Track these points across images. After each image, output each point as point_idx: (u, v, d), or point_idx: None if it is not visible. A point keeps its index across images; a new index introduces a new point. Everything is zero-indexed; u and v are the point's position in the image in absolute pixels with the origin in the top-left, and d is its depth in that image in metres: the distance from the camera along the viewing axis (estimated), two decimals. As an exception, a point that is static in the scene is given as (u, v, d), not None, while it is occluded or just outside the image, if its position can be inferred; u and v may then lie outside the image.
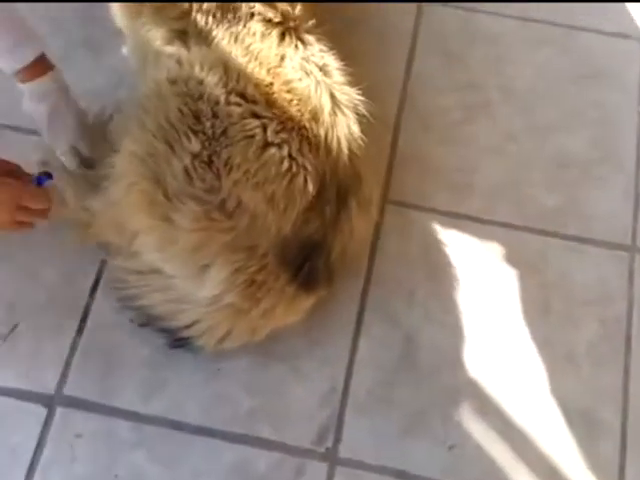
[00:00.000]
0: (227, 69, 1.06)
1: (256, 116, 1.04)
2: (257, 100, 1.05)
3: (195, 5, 1.12)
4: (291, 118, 1.04)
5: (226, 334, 1.10)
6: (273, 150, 1.04)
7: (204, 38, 1.11)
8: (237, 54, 1.07)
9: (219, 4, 1.12)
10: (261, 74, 1.07)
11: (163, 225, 1.03)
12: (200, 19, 1.11)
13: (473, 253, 1.27)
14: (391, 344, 1.20)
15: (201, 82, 1.05)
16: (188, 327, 1.10)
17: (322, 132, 1.05)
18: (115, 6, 1.25)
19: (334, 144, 1.06)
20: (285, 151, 1.03)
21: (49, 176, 1.13)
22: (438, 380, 1.17)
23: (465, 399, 1.16)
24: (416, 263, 1.26)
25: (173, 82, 1.07)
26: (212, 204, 1.03)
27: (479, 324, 1.21)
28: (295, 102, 1.06)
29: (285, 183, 1.03)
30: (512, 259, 1.26)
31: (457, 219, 1.30)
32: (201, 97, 1.05)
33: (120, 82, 1.36)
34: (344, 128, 1.08)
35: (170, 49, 1.12)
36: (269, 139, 1.04)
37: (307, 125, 1.05)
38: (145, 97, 1.08)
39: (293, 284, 1.07)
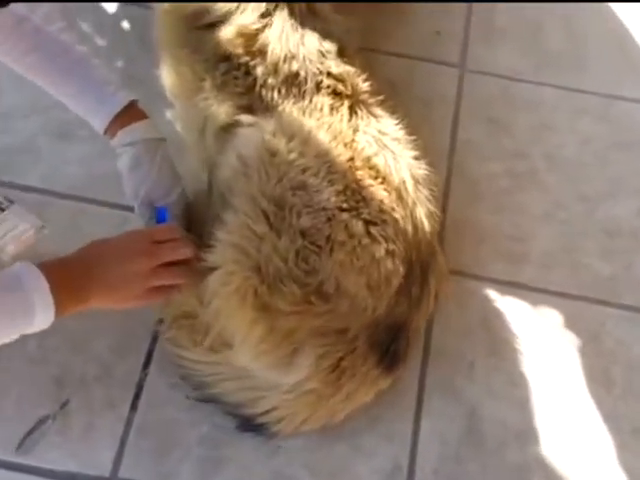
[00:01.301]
0: (313, 143, 1.03)
1: (358, 193, 1.01)
2: (348, 177, 1.02)
3: (259, 81, 1.11)
4: (383, 197, 1.02)
5: (304, 420, 1.06)
6: (376, 230, 1.00)
7: (271, 113, 1.09)
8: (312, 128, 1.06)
9: (283, 80, 1.11)
10: (339, 148, 1.05)
11: (263, 316, 0.98)
12: (265, 94, 1.10)
13: (531, 323, 1.25)
14: (454, 419, 1.16)
15: (302, 154, 1.02)
16: (264, 414, 1.05)
17: (408, 212, 1.04)
18: (168, 80, 1.23)
19: (418, 223, 1.05)
20: (385, 232, 1.01)
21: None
22: (505, 456, 1.14)
23: (533, 476, 1.13)
24: (475, 334, 1.23)
25: (274, 154, 1.02)
26: (311, 286, 0.98)
27: (542, 397, 1.19)
28: (380, 180, 1.04)
29: (385, 266, 1.00)
30: (570, 329, 1.25)
31: (513, 288, 1.28)
32: (306, 170, 1.01)
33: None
34: (424, 205, 1.07)
35: (248, 118, 1.08)
36: (372, 218, 1.01)
37: (395, 205, 1.03)
38: (229, 176, 1.04)
39: (379, 367, 1.04)
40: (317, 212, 0.99)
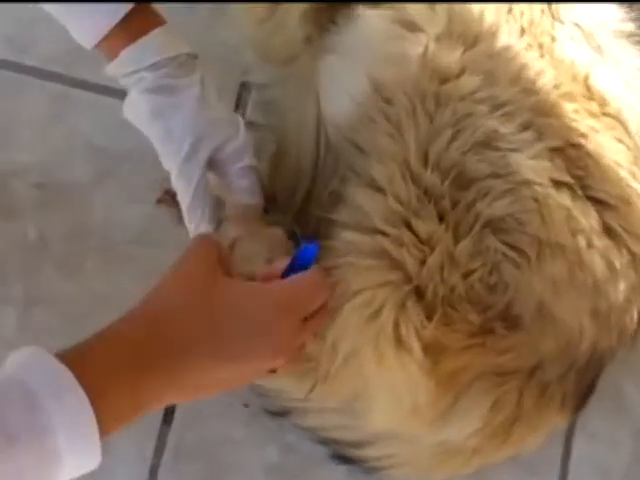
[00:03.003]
0: (503, 52, 0.59)
1: (583, 152, 0.59)
2: (565, 121, 0.58)
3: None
4: (618, 155, 0.60)
5: (437, 472, 0.71)
6: (614, 219, 0.60)
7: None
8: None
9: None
10: (538, 60, 0.59)
11: (427, 360, 0.59)
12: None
13: None
14: (618, 442, 0.84)
15: (490, 77, 0.57)
16: (375, 459, 0.71)
17: None
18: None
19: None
20: (627, 221, 0.61)
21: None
22: (683, 492, 0.84)
23: None
24: None
25: (444, 80, 0.57)
26: (495, 309, 0.60)
27: None
28: (608, 120, 0.60)
29: (626, 280, 0.61)
30: None
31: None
32: (497, 108, 0.57)
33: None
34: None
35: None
36: (606, 198, 0.60)
37: (636, 169, 0.61)
38: (351, 115, 0.60)
39: (574, 413, 0.70)
40: (517, 189, 0.57)
